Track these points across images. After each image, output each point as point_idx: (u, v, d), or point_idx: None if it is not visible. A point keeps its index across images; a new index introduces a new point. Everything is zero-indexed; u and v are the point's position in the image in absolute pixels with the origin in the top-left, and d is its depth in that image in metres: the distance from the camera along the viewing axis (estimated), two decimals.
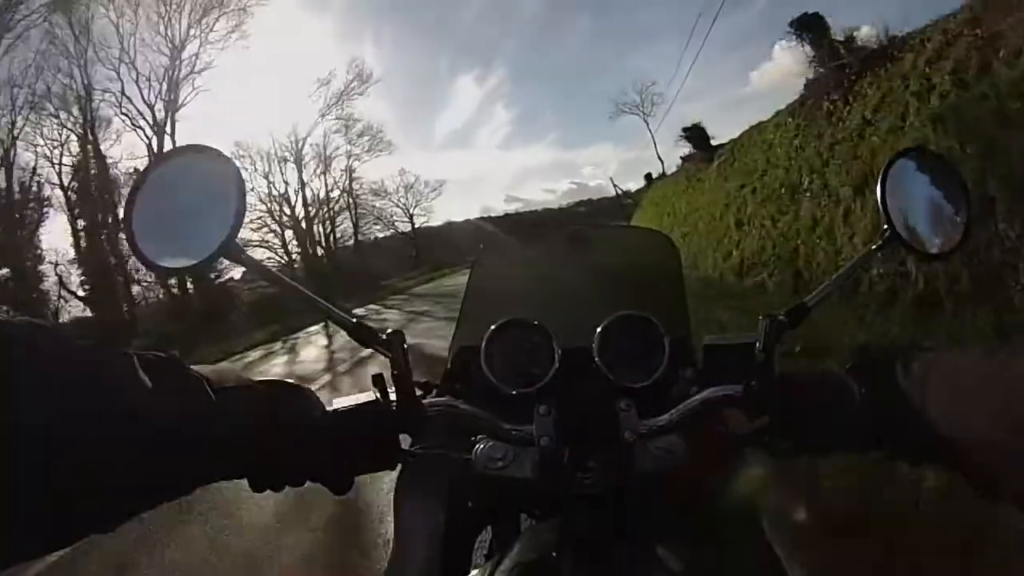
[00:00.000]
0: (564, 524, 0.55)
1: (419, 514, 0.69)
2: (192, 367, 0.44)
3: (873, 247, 0.63)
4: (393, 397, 0.53)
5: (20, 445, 0.31)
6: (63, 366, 0.34)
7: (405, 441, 0.56)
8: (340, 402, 0.52)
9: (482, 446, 0.57)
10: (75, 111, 18.50)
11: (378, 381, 0.53)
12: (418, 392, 0.56)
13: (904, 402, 0.44)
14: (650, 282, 0.87)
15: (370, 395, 0.52)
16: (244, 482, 0.48)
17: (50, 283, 16.52)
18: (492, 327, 0.65)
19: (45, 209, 16.90)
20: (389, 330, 0.53)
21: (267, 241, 26.23)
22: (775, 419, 0.54)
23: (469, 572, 0.58)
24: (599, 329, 0.64)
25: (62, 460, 0.33)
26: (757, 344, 0.54)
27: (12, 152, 16.49)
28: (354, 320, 0.54)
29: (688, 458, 0.56)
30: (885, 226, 0.61)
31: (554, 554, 0.50)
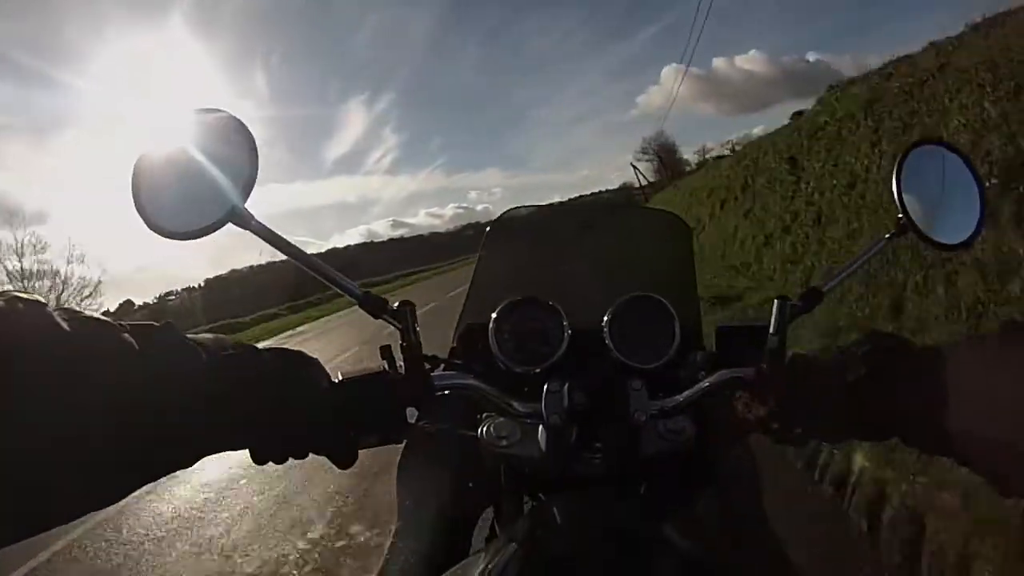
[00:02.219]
0: (570, 504, 0.55)
1: (423, 492, 0.68)
2: (189, 336, 0.43)
3: (887, 235, 0.63)
4: (401, 370, 0.52)
5: (14, 420, 0.30)
6: (54, 338, 0.34)
7: (411, 416, 0.56)
8: (346, 372, 0.51)
9: (489, 424, 0.57)
10: None
11: (386, 353, 0.52)
12: (426, 366, 0.55)
13: (917, 392, 0.44)
14: (661, 263, 0.87)
15: (377, 366, 0.52)
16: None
17: None
18: (502, 304, 0.65)
19: None
20: (398, 302, 0.52)
21: None
22: (785, 404, 0.53)
23: (470, 552, 0.57)
24: (610, 310, 0.64)
25: (56, 434, 0.32)
26: (770, 328, 0.54)
27: None
28: (362, 292, 0.53)
29: (696, 440, 0.56)
30: (900, 215, 0.60)
31: (559, 534, 0.50)
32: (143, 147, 0.52)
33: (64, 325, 0.34)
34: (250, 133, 0.51)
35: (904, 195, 0.61)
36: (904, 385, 0.45)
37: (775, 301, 0.55)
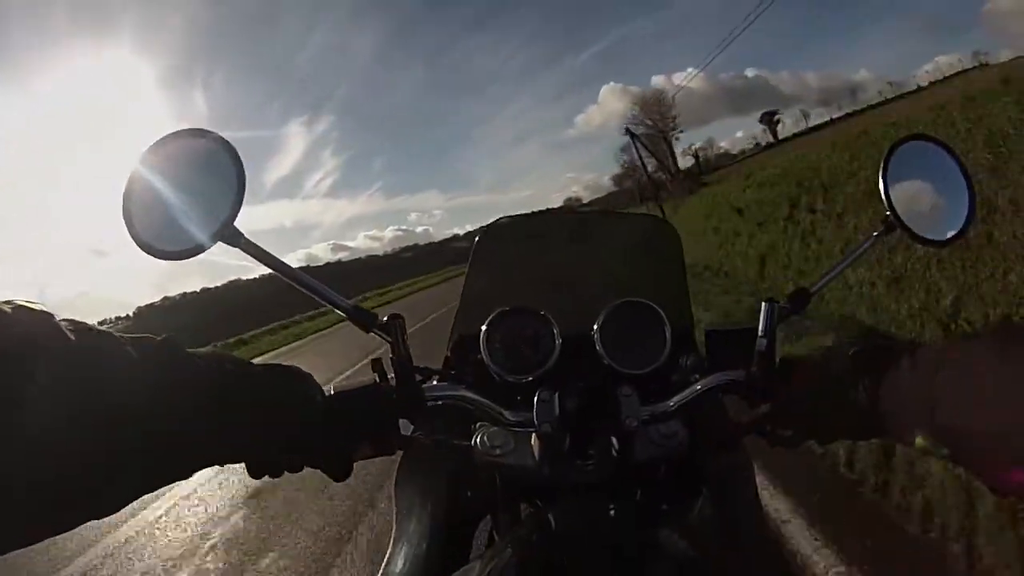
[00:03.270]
0: (565, 511, 0.55)
1: (419, 502, 0.69)
2: (188, 350, 0.43)
3: (875, 233, 0.62)
4: (393, 383, 0.53)
5: (12, 431, 0.31)
6: (60, 348, 0.34)
7: (405, 428, 0.56)
8: (339, 386, 0.52)
9: (482, 433, 0.57)
10: None
11: (377, 366, 0.53)
12: (418, 378, 0.55)
13: (908, 392, 0.44)
14: (651, 269, 0.87)
15: (370, 380, 0.52)
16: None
17: None
18: (492, 314, 0.65)
19: None
20: (387, 315, 0.53)
21: None
22: (777, 406, 0.53)
23: (469, 560, 0.57)
24: (600, 317, 0.64)
25: (55, 444, 0.32)
26: (759, 330, 0.54)
27: None
28: (351, 305, 0.54)
29: (689, 444, 0.56)
30: (888, 212, 0.60)
31: (555, 541, 0.50)
32: (133, 167, 0.53)
33: (69, 335, 0.35)
34: (236, 153, 0.52)
35: (891, 192, 0.61)
36: (895, 384, 0.45)
37: (763, 303, 0.55)
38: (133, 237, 0.51)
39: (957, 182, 0.64)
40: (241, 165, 0.51)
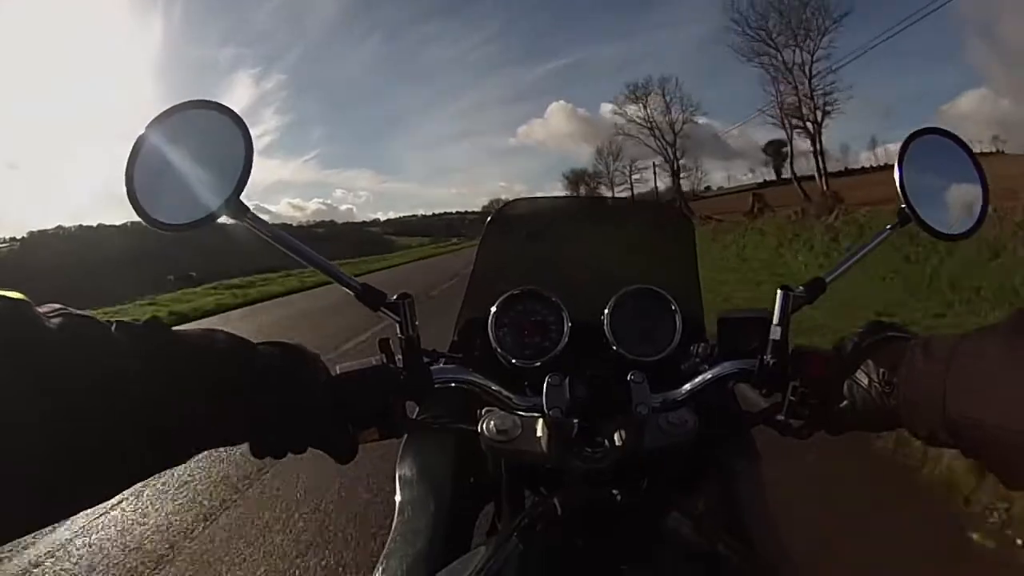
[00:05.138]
0: (571, 499, 0.54)
1: (422, 487, 0.68)
2: (179, 330, 0.42)
3: (889, 226, 0.62)
4: (400, 363, 0.52)
5: (6, 420, 0.30)
6: (40, 336, 0.33)
7: (411, 410, 0.55)
8: (344, 366, 0.51)
9: (489, 418, 0.56)
10: None
11: (385, 346, 0.52)
12: (425, 360, 0.54)
13: (920, 385, 0.43)
14: (663, 256, 0.86)
15: (376, 359, 0.51)
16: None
17: None
18: (501, 298, 0.64)
19: None
20: (396, 294, 0.52)
21: None
22: (788, 395, 0.53)
23: (471, 547, 0.57)
24: (610, 303, 0.63)
25: (46, 433, 0.32)
26: (773, 318, 0.53)
27: None
28: (360, 283, 0.53)
29: (699, 432, 0.55)
30: (902, 204, 0.60)
31: (560, 530, 0.49)
32: (137, 139, 0.51)
33: (49, 323, 0.34)
34: (245, 125, 0.51)
35: (906, 184, 0.60)
36: (907, 377, 0.45)
37: (778, 291, 0.54)
38: (135, 207, 0.50)
39: (971, 176, 0.64)
40: (250, 138, 0.50)
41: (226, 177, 0.50)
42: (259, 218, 0.51)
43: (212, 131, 0.51)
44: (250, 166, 0.50)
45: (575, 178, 41.98)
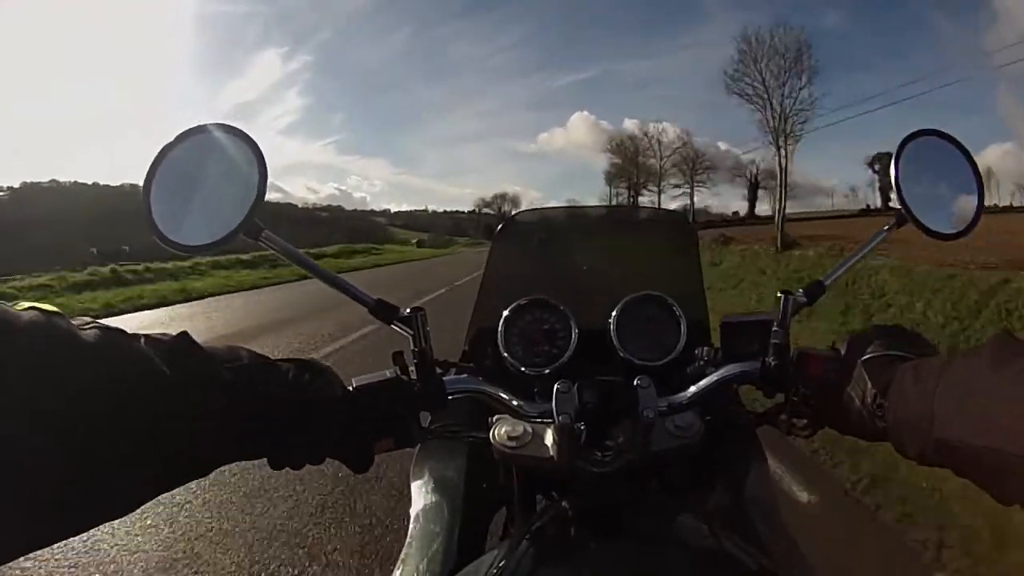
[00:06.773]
0: (581, 502, 0.55)
1: (436, 494, 0.69)
2: (205, 346, 0.43)
3: (886, 227, 0.63)
4: (414, 375, 0.53)
5: (28, 431, 0.31)
6: (76, 351, 0.34)
7: (425, 420, 0.56)
8: (360, 379, 0.52)
9: (500, 426, 0.58)
10: None
11: (398, 359, 0.53)
12: (438, 371, 0.56)
13: (909, 408, 0.44)
14: (668, 263, 0.87)
15: (390, 372, 0.52)
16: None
17: None
18: (510, 307, 0.65)
19: None
20: (410, 308, 0.53)
21: None
22: (791, 397, 0.54)
23: (484, 550, 0.58)
24: (616, 309, 0.65)
25: (75, 446, 0.32)
26: (775, 321, 0.55)
27: None
28: (374, 298, 0.54)
29: (705, 435, 0.57)
30: (898, 205, 0.61)
31: (571, 532, 0.51)
32: (154, 159, 0.53)
33: (84, 337, 0.35)
34: (259, 147, 0.52)
35: (902, 185, 0.62)
36: (897, 398, 0.45)
37: (780, 295, 0.56)
38: (153, 229, 0.51)
39: (966, 176, 0.65)
40: (264, 160, 0.52)
41: (242, 197, 0.51)
42: (274, 236, 0.52)
43: (227, 152, 0.53)
44: (265, 186, 0.51)
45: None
